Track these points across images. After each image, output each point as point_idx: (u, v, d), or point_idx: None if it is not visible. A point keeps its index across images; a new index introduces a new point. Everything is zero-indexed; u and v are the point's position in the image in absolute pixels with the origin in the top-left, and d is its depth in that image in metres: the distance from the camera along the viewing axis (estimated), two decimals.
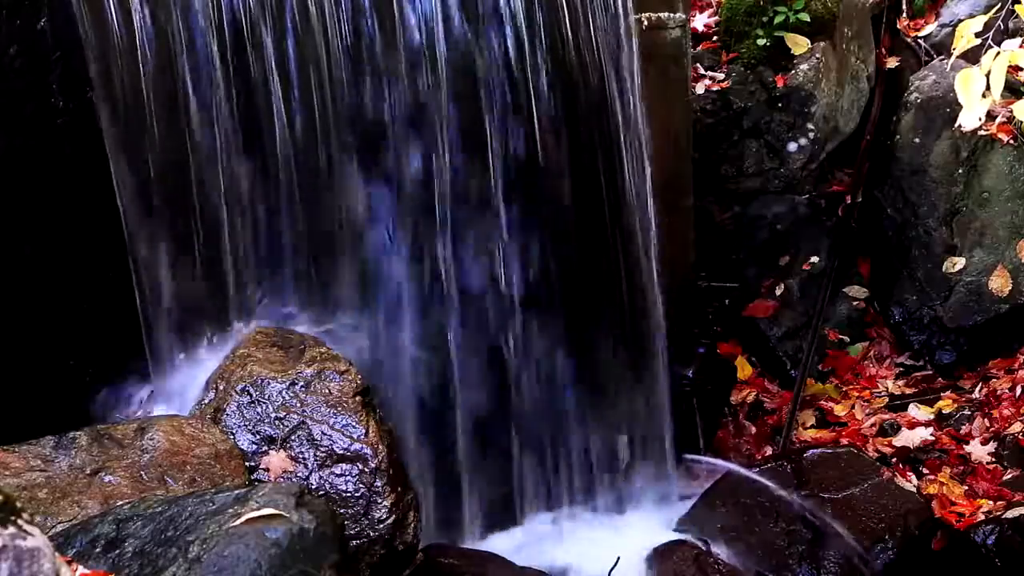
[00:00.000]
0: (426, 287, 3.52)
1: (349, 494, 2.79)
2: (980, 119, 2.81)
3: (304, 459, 2.82)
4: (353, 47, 3.25)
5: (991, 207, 4.74)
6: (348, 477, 2.81)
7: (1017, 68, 4.18)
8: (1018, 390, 4.50)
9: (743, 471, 4.01)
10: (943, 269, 4.77)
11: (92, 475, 2.61)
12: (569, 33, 3.54)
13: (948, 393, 4.64)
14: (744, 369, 4.80)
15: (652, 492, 4.05)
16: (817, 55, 4.90)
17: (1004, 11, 3.59)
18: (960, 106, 2.84)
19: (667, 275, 3.97)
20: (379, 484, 2.81)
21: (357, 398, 2.92)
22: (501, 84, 3.46)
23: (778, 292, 4.92)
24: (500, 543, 3.67)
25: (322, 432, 2.85)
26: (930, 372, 4.79)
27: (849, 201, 5.10)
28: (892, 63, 5.32)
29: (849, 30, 5.07)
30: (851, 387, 4.78)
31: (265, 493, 2.19)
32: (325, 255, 3.39)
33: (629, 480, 4.03)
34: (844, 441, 4.41)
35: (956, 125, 4.29)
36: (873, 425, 4.53)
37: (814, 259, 4.98)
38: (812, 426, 4.63)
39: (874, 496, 3.81)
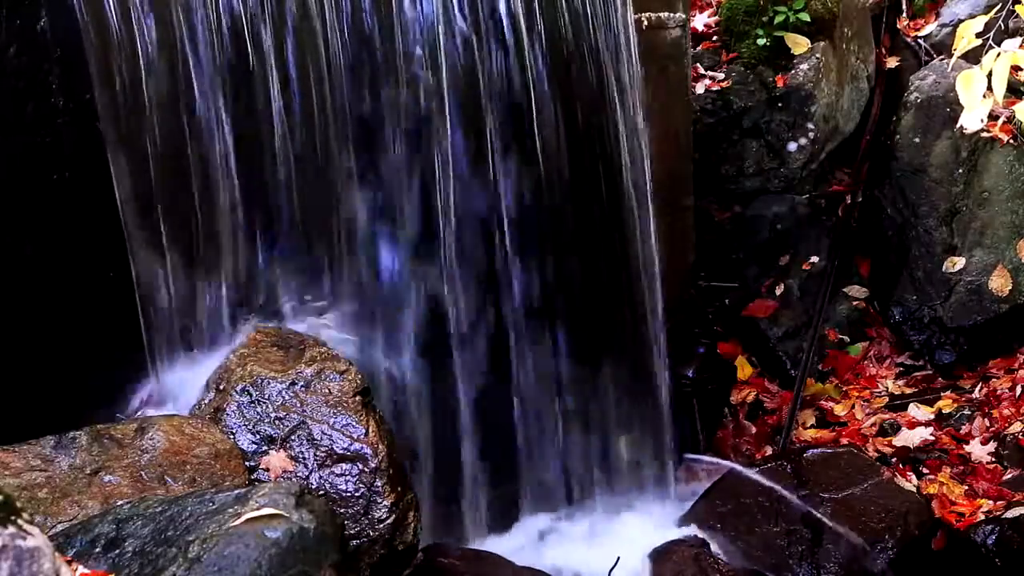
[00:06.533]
0: (427, 287, 3.52)
1: (349, 494, 2.79)
2: (982, 120, 2.80)
3: (304, 459, 2.82)
4: (353, 46, 3.25)
5: (991, 207, 4.74)
6: (348, 477, 2.81)
7: (1017, 68, 4.18)
8: (1018, 390, 4.50)
9: (743, 471, 4.01)
10: (943, 269, 4.77)
11: (92, 475, 2.61)
12: (569, 33, 3.54)
13: (948, 393, 4.64)
14: (744, 369, 4.80)
15: (652, 492, 4.05)
16: (817, 55, 4.90)
17: (1004, 11, 3.59)
18: (960, 106, 2.83)
19: (667, 275, 3.97)
20: (379, 484, 2.81)
21: (357, 398, 2.92)
22: (501, 84, 3.46)
23: (778, 292, 4.92)
24: (500, 543, 3.67)
25: (322, 432, 2.85)
26: (930, 372, 4.79)
27: (849, 201, 5.10)
28: (892, 63, 5.32)
29: (849, 30, 5.07)
30: (851, 387, 4.78)
31: (265, 493, 2.19)
32: (326, 253, 3.39)
33: (629, 480, 4.03)
34: (844, 441, 4.41)
35: (957, 126, 4.29)
36: (873, 425, 4.53)
37: (814, 259, 4.98)
38: (812, 426, 4.63)
39: (874, 496, 3.81)
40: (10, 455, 2.61)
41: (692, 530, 3.79)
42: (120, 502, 2.46)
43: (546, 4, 3.47)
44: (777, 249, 4.97)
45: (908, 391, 4.73)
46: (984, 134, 4.64)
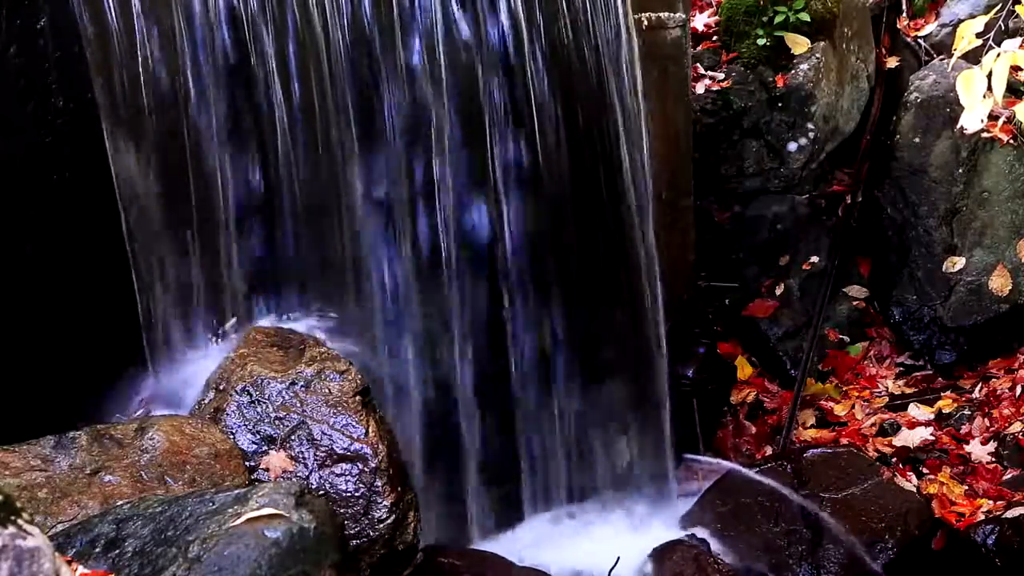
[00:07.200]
0: (427, 286, 3.52)
1: (349, 494, 2.79)
2: (982, 120, 2.80)
3: (304, 459, 2.82)
4: (353, 46, 3.25)
5: (991, 207, 4.74)
6: (348, 477, 2.81)
7: (1017, 68, 4.18)
8: (1018, 390, 4.50)
9: (743, 471, 4.01)
10: (943, 269, 4.77)
11: (92, 475, 2.60)
12: (569, 33, 3.54)
13: (948, 393, 4.64)
14: (744, 369, 4.80)
15: (652, 492, 4.05)
16: (817, 55, 4.90)
17: (1004, 11, 3.58)
18: (960, 106, 2.83)
19: (667, 275, 3.98)
20: (379, 484, 2.81)
21: (357, 398, 2.92)
22: (501, 83, 3.46)
23: (778, 292, 4.92)
24: (501, 543, 3.67)
25: (322, 432, 2.85)
26: (930, 372, 4.79)
27: (849, 201, 5.10)
28: (892, 63, 5.32)
29: (849, 30, 5.07)
30: (851, 387, 4.78)
31: (265, 493, 2.19)
32: (326, 253, 3.39)
33: (629, 480, 4.04)
34: (844, 441, 4.41)
35: (957, 126, 4.29)
36: (873, 425, 4.53)
37: (814, 259, 4.98)
38: (812, 426, 4.63)
39: (874, 496, 3.81)
40: (10, 455, 2.60)
41: (692, 530, 3.79)
42: (120, 502, 2.46)
43: (546, 4, 3.47)
44: (777, 249, 4.97)
45: (908, 391, 4.74)
46: (984, 134, 4.64)
